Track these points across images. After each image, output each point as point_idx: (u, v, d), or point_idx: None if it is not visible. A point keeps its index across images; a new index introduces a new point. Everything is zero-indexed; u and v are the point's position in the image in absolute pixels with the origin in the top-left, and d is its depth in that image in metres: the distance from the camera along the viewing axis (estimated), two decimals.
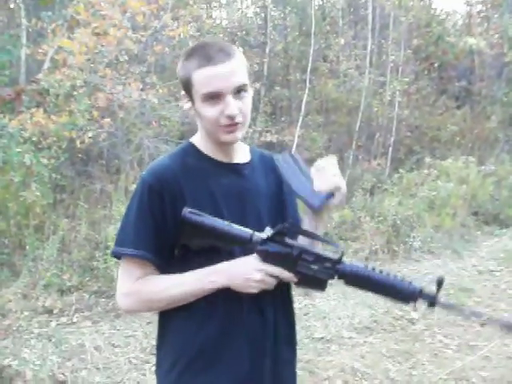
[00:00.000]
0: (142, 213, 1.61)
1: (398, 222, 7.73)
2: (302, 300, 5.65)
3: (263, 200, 1.75)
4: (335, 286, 6.29)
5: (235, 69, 1.60)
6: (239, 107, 1.60)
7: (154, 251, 1.61)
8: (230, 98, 1.58)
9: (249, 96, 1.66)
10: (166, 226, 1.60)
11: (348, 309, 5.55)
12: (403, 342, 4.92)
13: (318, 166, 1.60)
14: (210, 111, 1.60)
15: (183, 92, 1.70)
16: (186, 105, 1.70)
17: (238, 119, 1.61)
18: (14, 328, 4.91)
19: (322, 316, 5.38)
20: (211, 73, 1.58)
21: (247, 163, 1.77)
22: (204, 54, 1.60)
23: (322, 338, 4.95)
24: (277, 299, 1.74)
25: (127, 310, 1.74)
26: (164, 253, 1.63)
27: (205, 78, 1.59)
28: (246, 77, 1.65)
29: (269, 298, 1.69)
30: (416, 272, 6.83)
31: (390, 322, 5.26)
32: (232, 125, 1.61)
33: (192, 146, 1.74)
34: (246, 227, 1.62)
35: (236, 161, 1.74)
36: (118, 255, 1.66)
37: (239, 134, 1.65)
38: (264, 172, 1.80)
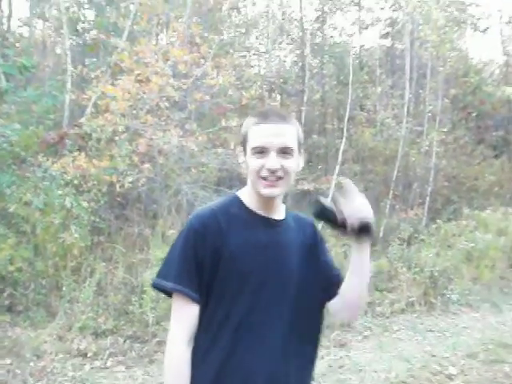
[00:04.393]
0: (187, 251, 1.77)
1: (436, 273, 7.58)
2: (337, 352, 5.55)
3: (295, 251, 1.89)
4: (372, 338, 6.15)
5: (285, 131, 1.79)
6: (282, 164, 1.76)
7: (193, 288, 1.75)
8: (273, 154, 1.76)
9: (294, 159, 1.81)
10: (206, 266, 1.75)
11: (384, 362, 5.42)
12: None
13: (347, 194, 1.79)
14: (254, 163, 1.78)
15: (240, 146, 1.90)
16: (241, 158, 1.90)
17: (279, 174, 1.77)
18: (49, 370, 4.93)
19: (358, 369, 5.22)
20: (263, 129, 1.79)
21: (282, 220, 1.92)
22: (263, 114, 1.84)
23: None
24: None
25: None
26: (202, 289, 1.76)
27: (256, 133, 1.80)
28: (295, 143, 1.81)
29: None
30: (454, 326, 6.68)
31: (428, 377, 5.09)
32: (271, 179, 1.77)
33: (237, 198, 1.91)
34: (278, 275, 1.81)
35: (274, 217, 1.89)
36: (158, 287, 1.82)
37: (278, 190, 1.80)
38: (297, 229, 1.94)
